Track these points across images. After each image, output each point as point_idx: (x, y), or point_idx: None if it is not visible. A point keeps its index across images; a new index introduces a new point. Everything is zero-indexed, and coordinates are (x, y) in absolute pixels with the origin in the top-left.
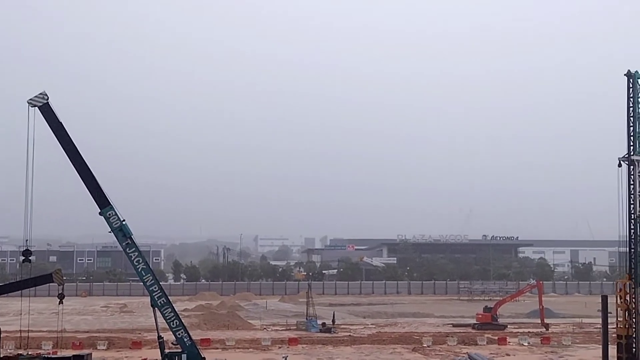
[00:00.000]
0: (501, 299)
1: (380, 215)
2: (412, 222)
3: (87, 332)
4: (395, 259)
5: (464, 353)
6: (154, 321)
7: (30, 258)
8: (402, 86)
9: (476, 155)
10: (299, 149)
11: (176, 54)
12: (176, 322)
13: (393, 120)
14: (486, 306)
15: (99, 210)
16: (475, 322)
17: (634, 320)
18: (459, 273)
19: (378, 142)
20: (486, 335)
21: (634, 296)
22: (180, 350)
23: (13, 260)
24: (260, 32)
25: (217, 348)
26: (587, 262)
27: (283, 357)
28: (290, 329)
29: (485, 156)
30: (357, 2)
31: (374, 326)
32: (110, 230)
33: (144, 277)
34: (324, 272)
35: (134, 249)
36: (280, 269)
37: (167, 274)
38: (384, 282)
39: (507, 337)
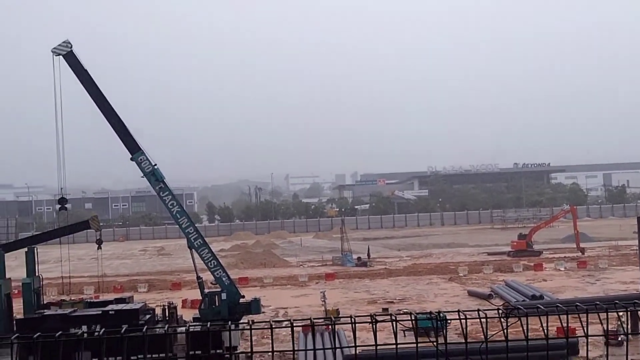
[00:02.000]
0: (535, 225)
1: (409, 147)
2: (441, 153)
3: (127, 275)
4: (427, 191)
5: (501, 280)
6: (192, 262)
7: (66, 206)
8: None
9: (506, 79)
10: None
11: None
12: (214, 262)
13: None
14: (520, 233)
15: (130, 156)
16: (510, 249)
17: None
18: (492, 202)
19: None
20: (522, 262)
21: None
22: (219, 290)
23: (50, 208)
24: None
25: (256, 286)
26: (620, 185)
27: (321, 292)
28: (326, 265)
29: (515, 81)
30: None
31: (409, 258)
32: (142, 175)
33: (179, 220)
34: (356, 207)
35: (167, 192)
36: (312, 206)
37: (201, 216)
38: (416, 214)
39: (543, 263)
